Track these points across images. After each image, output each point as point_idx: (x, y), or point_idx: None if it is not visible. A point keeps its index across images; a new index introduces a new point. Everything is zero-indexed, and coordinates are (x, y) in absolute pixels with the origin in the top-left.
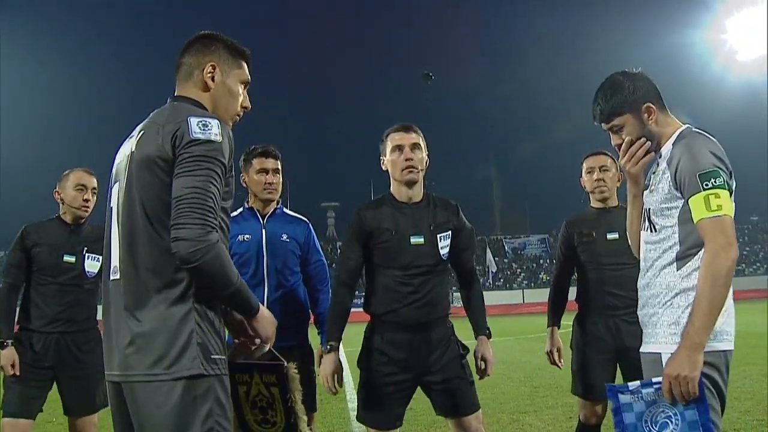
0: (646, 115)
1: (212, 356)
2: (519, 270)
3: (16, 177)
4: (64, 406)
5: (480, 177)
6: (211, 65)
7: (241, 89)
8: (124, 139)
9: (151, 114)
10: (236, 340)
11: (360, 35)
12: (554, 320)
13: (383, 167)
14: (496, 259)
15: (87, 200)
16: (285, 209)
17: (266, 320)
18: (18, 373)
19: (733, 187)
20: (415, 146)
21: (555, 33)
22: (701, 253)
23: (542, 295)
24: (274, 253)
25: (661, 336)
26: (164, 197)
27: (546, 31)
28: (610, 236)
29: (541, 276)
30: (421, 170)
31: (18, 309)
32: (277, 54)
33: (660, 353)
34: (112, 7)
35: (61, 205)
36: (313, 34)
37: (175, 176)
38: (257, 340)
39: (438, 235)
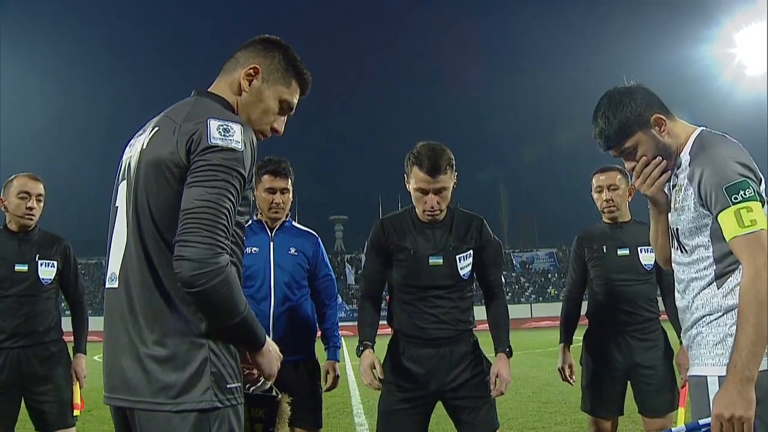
0: (657, 128)
1: (228, 386)
2: (527, 284)
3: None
4: (34, 423)
5: (487, 190)
6: (253, 68)
7: (278, 108)
8: (136, 132)
9: (170, 107)
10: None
11: (368, 46)
12: (566, 337)
13: (407, 187)
14: (505, 273)
15: (31, 208)
16: (294, 222)
17: (272, 355)
18: None
19: (764, 193)
20: (440, 191)
21: (563, 45)
22: (741, 267)
23: (551, 309)
24: (281, 266)
25: (706, 357)
26: (175, 206)
27: (554, 43)
28: (620, 252)
29: (549, 290)
30: (444, 209)
31: None
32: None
33: (705, 376)
34: (115, 10)
35: (5, 213)
36: (320, 44)
37: (187, 185)
38: (254, 372)
39: (457, 256)
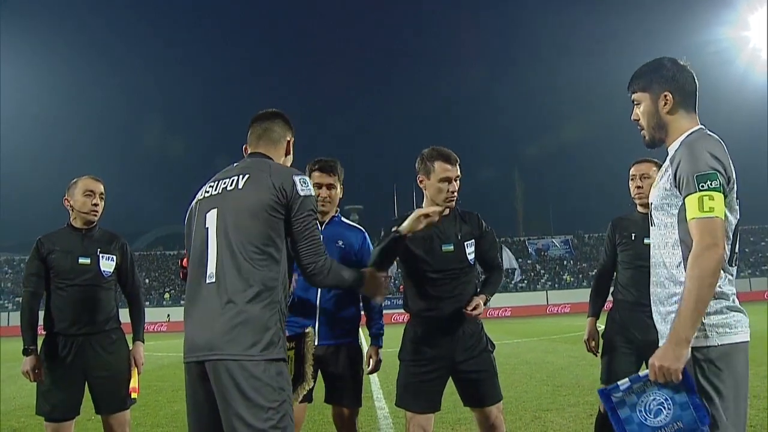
0: (662, 102)
1: (284, 346)
2: (542, 271)
3: (16, 178)
4: (95, 405)
5: (503, 178)
6: (293, 139)
7: None
8: (210, 177)
9: (243, 163)
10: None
11: (387, 41)
12: (594, 311)
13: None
14: (520, 260)
15: (96, 204)
16: (342, 218)
17: (375, 280)
18: (42, 379)
19: (732, 189)
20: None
21: (579, 33)
22: None
23: (566, 296)
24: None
25: None
26: (268, 230)
27: (569, 31)
28: (647, 241)
29: (565, 277)
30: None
31: (43, 316)
32: (300, 58)
33: None
34: (113, 12)
35: (71, 211)
36: (342, 39)
37: (295, 222)
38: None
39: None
